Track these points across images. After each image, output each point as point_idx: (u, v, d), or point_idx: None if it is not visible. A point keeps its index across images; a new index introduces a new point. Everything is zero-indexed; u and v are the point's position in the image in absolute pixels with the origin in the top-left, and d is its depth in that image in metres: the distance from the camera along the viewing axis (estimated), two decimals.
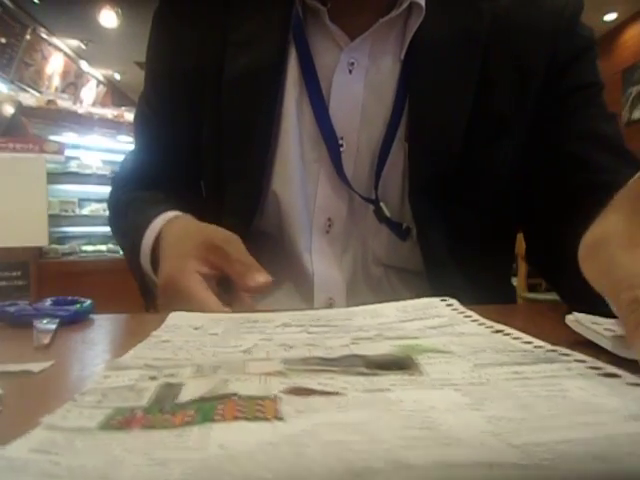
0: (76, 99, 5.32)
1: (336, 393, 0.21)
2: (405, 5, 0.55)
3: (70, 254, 3.33)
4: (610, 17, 5.01)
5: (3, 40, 4.42)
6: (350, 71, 0.57)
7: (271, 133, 0.58)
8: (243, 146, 0.59)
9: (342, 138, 0.59)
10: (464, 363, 0.25)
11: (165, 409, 0.20)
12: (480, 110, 0.55)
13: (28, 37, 4.69)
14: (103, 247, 3.53)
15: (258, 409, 0.20)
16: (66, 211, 3.51)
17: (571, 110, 0.57)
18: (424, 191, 0.56)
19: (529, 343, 0.28)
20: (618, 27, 5.16)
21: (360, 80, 0.58)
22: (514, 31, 0.55)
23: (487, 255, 0.59)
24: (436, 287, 0.55)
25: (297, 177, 0.59)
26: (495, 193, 0.58)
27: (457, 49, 0.55)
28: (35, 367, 0.26)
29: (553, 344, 0.27)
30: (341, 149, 0.58)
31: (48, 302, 0.44)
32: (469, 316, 0.36)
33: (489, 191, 0.58)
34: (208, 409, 0.20)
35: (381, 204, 0.58)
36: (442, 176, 0.56)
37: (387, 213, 0.58)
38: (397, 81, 0.57)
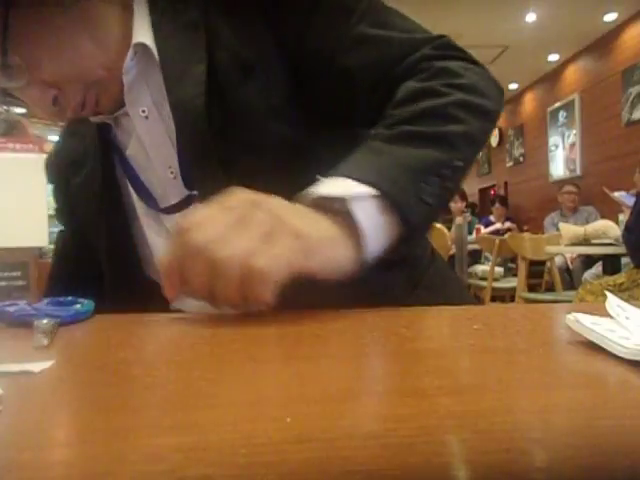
0: None
1: None
2: (131, 56, 0.59)
3: None
4: (610, 17, 5.00)
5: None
6: (147, 117, 0.62)
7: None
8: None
9: (170, 167, 0.63)
10: None
11: None
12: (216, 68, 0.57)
13: None
14: None
15: None
16: None
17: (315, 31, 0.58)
18: (197, 159, 0.59)
19: None
20: (618, 27, 5.15)
21: (157, 118, 0.62)
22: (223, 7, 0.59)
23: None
24: None
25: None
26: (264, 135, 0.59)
27: (187, 37, 0.59)
28: (35, 367, 0.26)
29: (553, 344, 0.27)
30: (172, 176, 0.63)
31: (48, 302, 0.44)
32: None
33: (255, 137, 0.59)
34: None
35: (193, 192, 0.62)
36: (205, 139, 0.58)
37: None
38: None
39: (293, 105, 0.60)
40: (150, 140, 0.64)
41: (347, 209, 0.43)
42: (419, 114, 0.51)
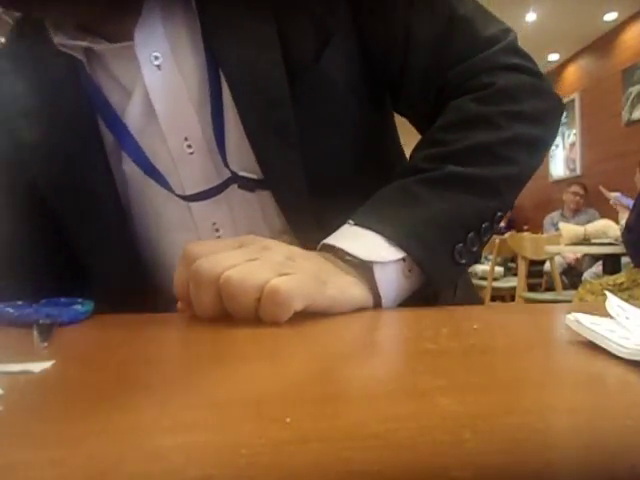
0: None
1: None
2: None
3: None
4: (610, 17, 5.00)
5: (2, 40, 4.43)
6: (159, 66, 0.50)
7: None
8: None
9: (186, 139, 0.53)
10: None
11: None
12: (289, 47, 0.50)
13: None
14: None
15: None
16: None
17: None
18: (268, 142, 0.51)
19: None
20: (618, 27, 5.15)
21: (174, 71, 0.51)
22: None
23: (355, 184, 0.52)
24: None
25: (164, 226, 0.57)
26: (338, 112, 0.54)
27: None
28: (35, 367, 0.26)
29: (553, 344, 0.27)
30: (190, 151, 0.53)
31: (48, 302, 0.44)
32: None
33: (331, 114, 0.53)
34: None
35: (241, 174, 0.53)
36: (280, 119, 0.51)
37: (255, 175, 0.53)
38: (205, 52, 0.51)
39: (368, 83, 0.55)
40: (163, 100, 0.51)
41: (370, 270, 0.42)
42: (469, 150, 0.48)
